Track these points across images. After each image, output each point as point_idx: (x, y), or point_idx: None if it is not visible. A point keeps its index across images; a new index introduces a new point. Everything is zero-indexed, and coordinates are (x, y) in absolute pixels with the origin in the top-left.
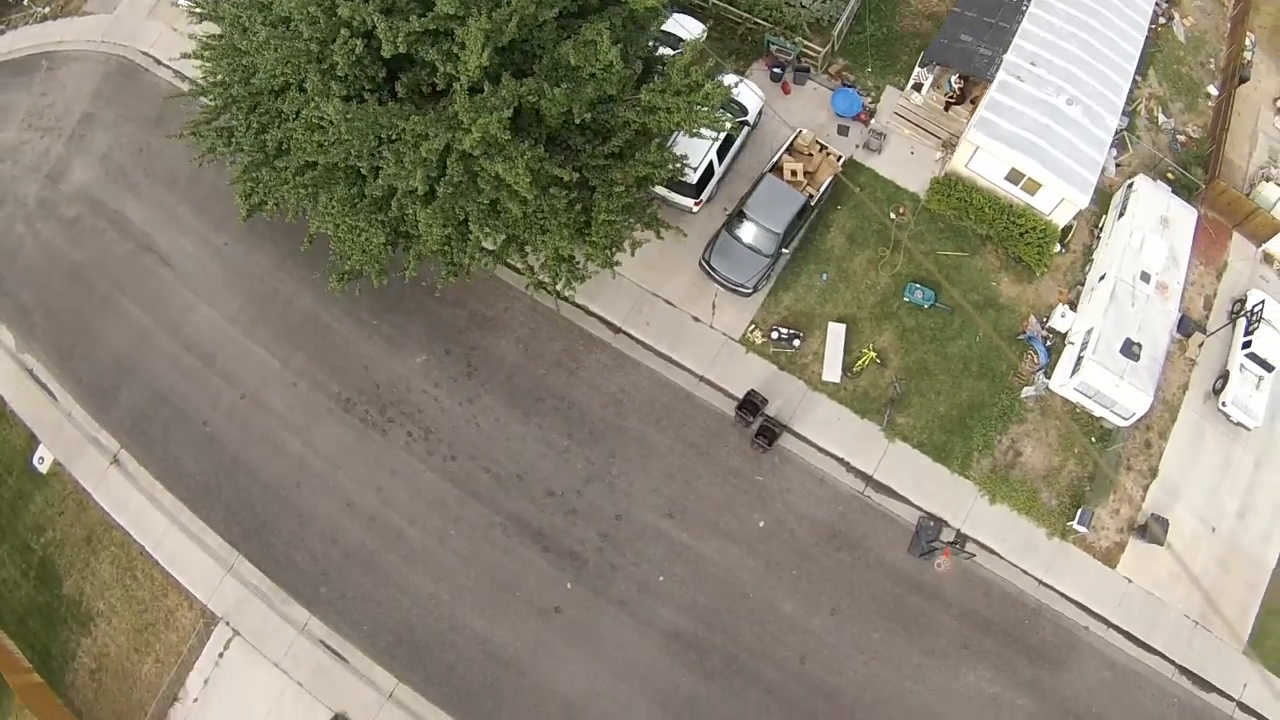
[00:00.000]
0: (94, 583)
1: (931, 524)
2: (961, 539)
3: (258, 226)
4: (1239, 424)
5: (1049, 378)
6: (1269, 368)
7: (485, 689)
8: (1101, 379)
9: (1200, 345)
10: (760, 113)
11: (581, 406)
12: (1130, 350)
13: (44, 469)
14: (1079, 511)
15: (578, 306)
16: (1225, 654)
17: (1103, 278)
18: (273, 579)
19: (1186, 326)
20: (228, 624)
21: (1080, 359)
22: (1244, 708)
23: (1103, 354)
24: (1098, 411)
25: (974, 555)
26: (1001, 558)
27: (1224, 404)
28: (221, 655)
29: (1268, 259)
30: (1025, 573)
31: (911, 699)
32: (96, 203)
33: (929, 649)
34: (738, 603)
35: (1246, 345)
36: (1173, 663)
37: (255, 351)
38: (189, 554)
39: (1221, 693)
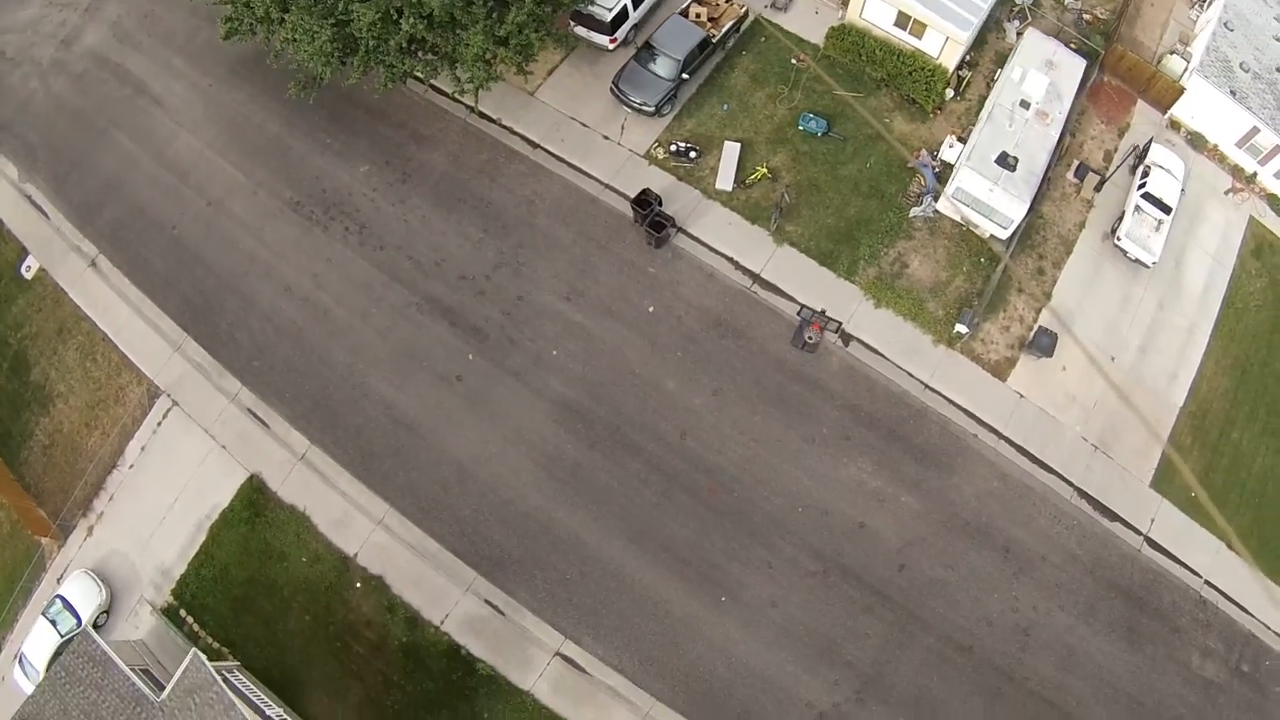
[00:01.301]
0: (59, 367)
1: (811, 311)
2: (832, 320)
3: (237, 69)
4: (1137, 260)
5: (936, 200)
6: (1166, 209)
7: (387, 451)
8: (976, 185)
9: (1096, 188)
10: None
11: (498, 206)
12: (1005, 161)
13: (29, 275)
14: (961, 311)
15: (503, 127)
16: (1131, 486)
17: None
18: (214, 355)
19: (1082, 171)
20: (169, 396)
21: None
22: (1152, 543)
23: (977, 162)
24: (979, 222)
25: (841, 324)
26: (886, 358)
27: (1118, 238)
28: (159, 425)
29: (1174, 125)
30: (910, 375)
31: (790, 483)
32: (102, 59)
33: (809, 437)
34: (624, 378)
35: (1142, 186)
36: (1071, 484)
37: (224, 168)
38: (145, 338)
39: (1127, 523)
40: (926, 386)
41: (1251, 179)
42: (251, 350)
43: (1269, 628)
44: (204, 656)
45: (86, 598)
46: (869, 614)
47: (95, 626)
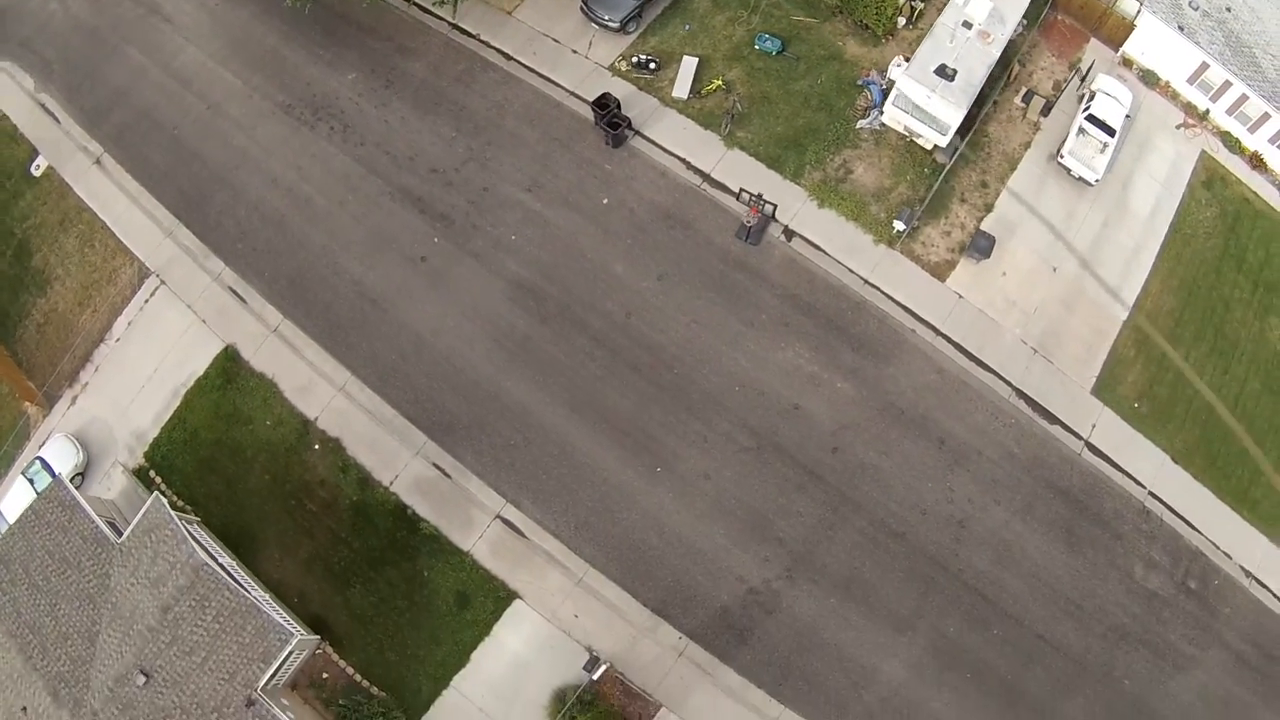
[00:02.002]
0: (58, 254)
1: (750, 194)
2: (768, 203)
3: None
4: (1080, 179)
5: (883, 113)
6: (1110, 131)
7: (353, 323)
8: (915, 91)
9: (1043, 112)
10: None
11: (471, 110)
12: (944, 72)
13: (38, 174)
14: (900, 210)
15: (481, 41)
16: (1071, 391)
17: None
18: (202, 240)
19: (1029, 97)
20: (157, 277)
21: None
22: (1093, 449)
23: (917, 71)
24: (921, 130)
25: (776, 206)
26: (827, 254)
27: (1062, 155)
28: (146, 302)
29: (1126, 63)
30: (850, 270)
31: (729, 363)
32: None
33: (749, 321)
34: (576, 262)
35: (1086, 110)
36: (1009, 384)
37: (225, 76)
38: (140, 226)
39: (1067, 427)
40: (866, 282)
41: (1204, 116)
42: (236, 234)
43: (1217, 546)
44: (164, 500)
45: (64, 459)
46: (801, 493)
47: None
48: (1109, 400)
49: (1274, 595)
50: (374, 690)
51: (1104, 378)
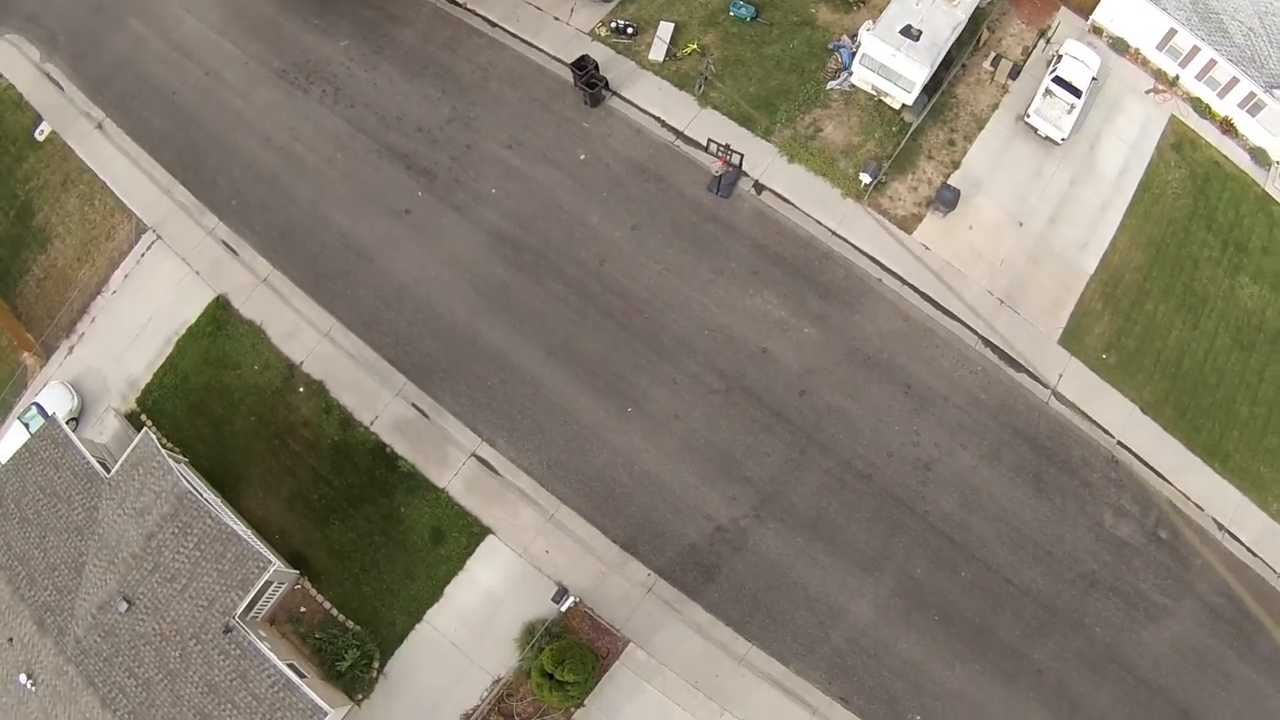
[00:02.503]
0: (59, 213)
1: (719, 145)
2: (735, 152)
3: None
4: (1047, 138)
5: (852, 74)
6: (1076, 92)
7: (339, 273)
8: (880, 50)
9: (1011, 75)
10: None
11: (456, 73)
12: (909, 31)
13: (42, 139)
14: (867, 163)
15: (469, 10)
16: (1038, 340)
17: None
18: (197, 197)
19: (997, 60)
20: (154, 232)
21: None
22: (1061, 398)
23: (883, 31)
24: (887, 89)
25: (744, 156)
26: (796, 207)
27: (1028, 115)
28: (143, 256)
29: (1096, 30)
30: (819, 222)
31: (698, 308)
32: None
33: (719, 269)
34: (553, 213)
35: (1053, 71)
36: (975, 333)
37: (223, 44)
38: (139, 185)
39: (1033, 375)
40: (833, 233)
41: (1174, 82)
42: (230, 191)
43: (1188, 497)
44: (153, 434)
45: (59, 404)
46: (769, 433)
47: None
48: (1076, 350)
49: (1246, 548)
50: (349, 624)
51: (1071, 328)
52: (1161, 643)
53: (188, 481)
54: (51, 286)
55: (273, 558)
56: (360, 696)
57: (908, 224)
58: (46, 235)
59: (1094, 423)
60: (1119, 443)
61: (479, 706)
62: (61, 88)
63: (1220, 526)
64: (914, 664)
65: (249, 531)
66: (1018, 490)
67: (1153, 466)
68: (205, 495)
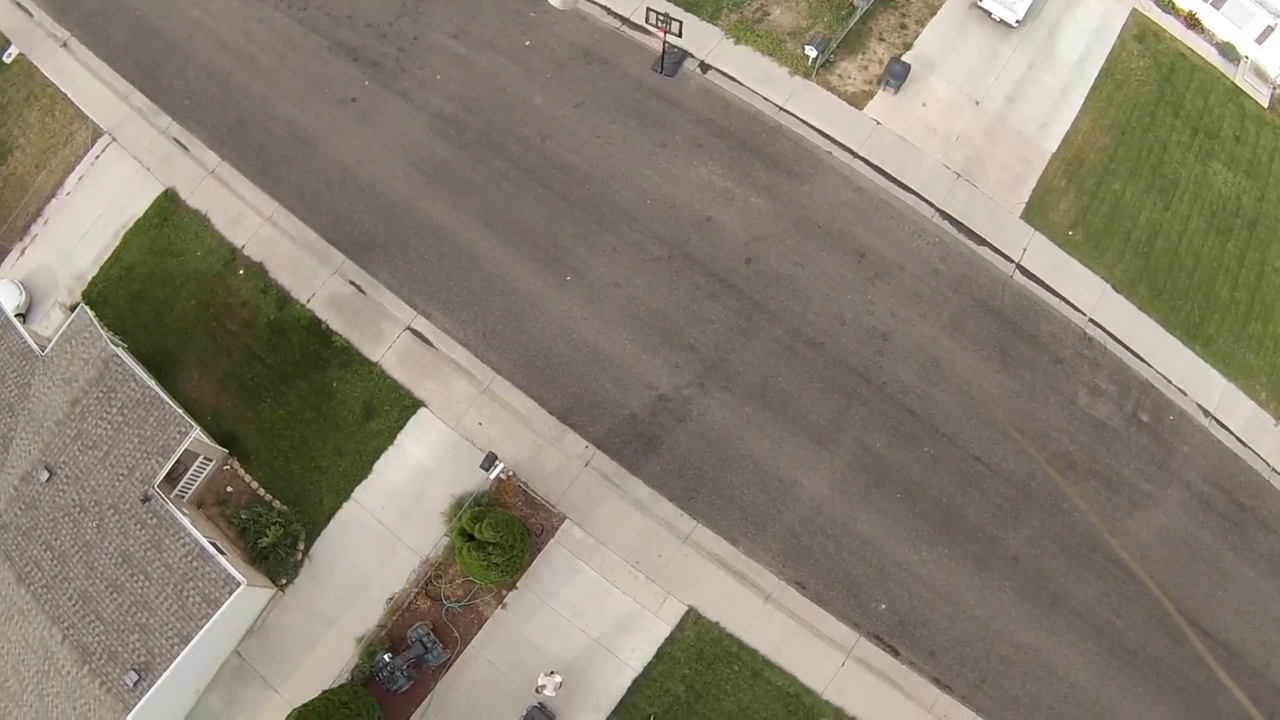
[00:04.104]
0: (20, 125)
1: (656, 14)
2: (674, 20)
3: None
4: (1001, 21)
5: None
6: None
7: (283, 159)
8: None
9: None
10: None
11: None
12: None
13: (9, 61)
14: (813, 38)
15: None
16: (999, 215)
17: None
18: (153, 100)
19: None
20: (110, 135)
21: None
22: (1026, 272)
23: None
24: None
25: (682, 23)
26: (742, 85)
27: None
28: (97, 158)
29: None
30: (766, 99)
31: (641, 180)
32: None
33: (662, 142)
34: (496, 95)
35: None
36: (932, 205)
37: None
38: (97, 94)
39: (995, 249)
40: (781, 109)
41: None
42: (185, 93)
43: (1169, 380)
44: (91, 312)
45: (6, 300)
46: (714, 300)
47: None
48: (1040, 225)
49: (1236, 438)
50: (276, 503)
51: (1034, 204)
52: (1149, 532)
53: (125, 363)
54: (10, 194)
55: (194, 425)
56: (284, 581)
57: (858, 100)
58: (8, 147)
59: (1063, 299)
60: (1091, 319)
61: (406, 589)
62: (30, 13)
63: (1206, 413)
64: (875, 546)
65: (175, 405)
66: (982, 363)
67: (1129, 346)
68: (137, 371)
